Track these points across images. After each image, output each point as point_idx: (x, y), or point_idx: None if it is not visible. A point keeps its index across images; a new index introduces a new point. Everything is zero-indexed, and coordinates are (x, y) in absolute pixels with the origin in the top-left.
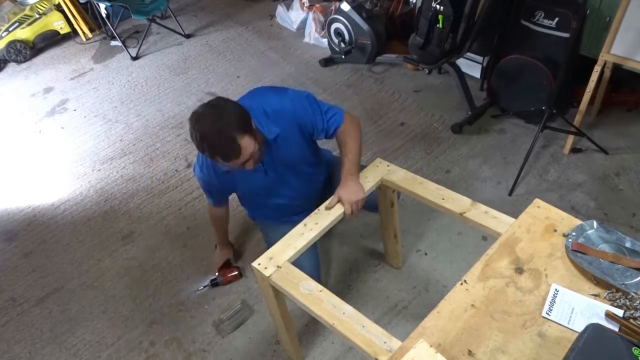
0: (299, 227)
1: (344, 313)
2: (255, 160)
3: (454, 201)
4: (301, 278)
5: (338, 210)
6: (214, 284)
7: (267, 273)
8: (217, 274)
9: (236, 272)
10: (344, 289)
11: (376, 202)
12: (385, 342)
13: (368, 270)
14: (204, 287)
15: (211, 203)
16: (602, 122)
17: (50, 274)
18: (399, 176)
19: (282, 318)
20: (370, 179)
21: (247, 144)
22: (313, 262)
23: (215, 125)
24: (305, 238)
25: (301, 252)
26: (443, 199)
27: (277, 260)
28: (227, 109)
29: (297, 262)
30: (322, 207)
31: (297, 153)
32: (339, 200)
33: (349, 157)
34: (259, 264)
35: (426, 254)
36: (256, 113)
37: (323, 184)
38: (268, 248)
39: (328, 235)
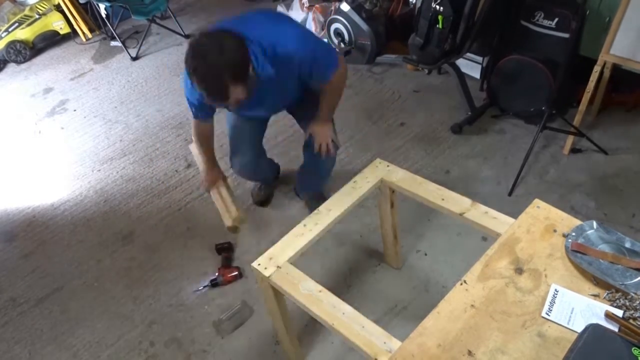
0: (299, 228)
1: (343, 313)
2: (240, 103)
3: (454, 201)
4: (300, 278)
5: (337, 211)
6: (214, 284)
7: (266, 273)
8: (217, 274)
9: (236, 272)
10: (344, 289)
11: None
12: (385, 343)
13: (368, 270)
14: (204, 287)
15: (198, 118)
16: (601, 122)
17: (50, 274)
18: (399, 176)
19: (282, 318)
20: (370, 179)
21: (237, 93)
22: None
23: (212, 66)
24: (305, 238)
25: (301, 252)
26: (443, 199)
27: (277, 261)
28: (229, 50)
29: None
30: (322, 207)
31: (286, 91)
32: (312, 135)
33: (326, 105)
34: (259, 265)
35: (426, 254)
36: (254, 45)
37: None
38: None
39: (328, 235)
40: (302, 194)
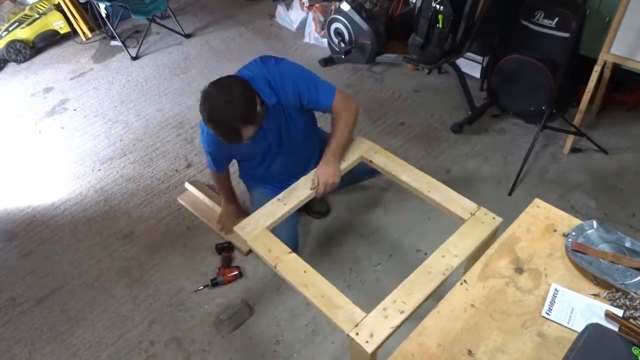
0: (276, 201)
1: (305, 271)
2: (254, 133)
3: (419, 179)
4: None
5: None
6: (214, 283)
7: (246, 237)
8: (217, 273)
9: (236, 272)
10: (343, 289)
11: (368, 170)
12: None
13: (368, 270)
14: (204, 287)
15: (215, 170)
16: (601, 122)
17: (50, 274)
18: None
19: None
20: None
21: (248, 132)
22: (291, 232)
23: (222, 113)
24: (282, 209)
25: (280, 220)
26: (408, 175)
27: (257, 226)
28: (236, 95)
29: (276, 231)
30: (300, 182)
31: (294, 118)
32: (315, 176)
33: (335, 139)
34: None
35: (426, 254)
36: (259, 81)
37: (314, 156)
38: (252, 209)
39: (328, 235)
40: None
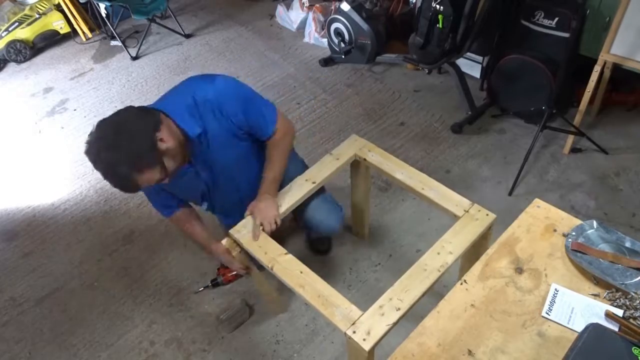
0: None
1: (301, 272)
2: (172, 174)
3: (413, 176)
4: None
5: (306, 188)
6: (214, 284)
7: (241, 239)
8: (217, 273)
9: (236, 272)
10: (343, 289)
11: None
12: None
13: (368, 270)
14: (204, 287)
15: (165, 215)
16: (601, 122)
17: (50, 274)
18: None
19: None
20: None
21: (147, 178)
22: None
23: (108, 162)
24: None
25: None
26: (402, 173)
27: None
28: (127, 139)
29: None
30: (295, 182)
31: (231, 152)
32: (251, 214)
33: (269, 175)
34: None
35: None
36: (178, 109)
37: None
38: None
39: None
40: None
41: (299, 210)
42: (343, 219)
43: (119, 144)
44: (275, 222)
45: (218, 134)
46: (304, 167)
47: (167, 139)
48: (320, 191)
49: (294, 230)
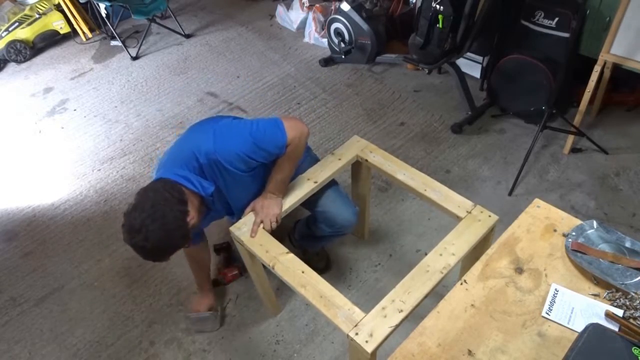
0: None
1: (303, 272)
2: (198, 221)
3: (415, 177)
4: (270, 243)
5: (308, 187)
6: (216, 284)
7: (243, 238)
8: (217, 274)
9: (237, 272)
10: (343, 289)
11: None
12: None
13: (368, 270)
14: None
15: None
16: (601, 122)
17: (50, 274)
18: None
19: (258, 275)
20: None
21: (182, 245)
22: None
23: (149, 252)
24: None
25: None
26: (404, 174)
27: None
28: (164, 234)
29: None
30: (297, 180)
31: (244, 182)
32: (253, 211)
33: (277, 176)
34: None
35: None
36: (189, 175)
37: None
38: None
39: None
40: (299, 244)
41: (311, 207)
42: (358, 213)
43: (159, 239)
44: (276, 221)
45: (230, 181)
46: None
47: (193, 216)
48: (332, 185)
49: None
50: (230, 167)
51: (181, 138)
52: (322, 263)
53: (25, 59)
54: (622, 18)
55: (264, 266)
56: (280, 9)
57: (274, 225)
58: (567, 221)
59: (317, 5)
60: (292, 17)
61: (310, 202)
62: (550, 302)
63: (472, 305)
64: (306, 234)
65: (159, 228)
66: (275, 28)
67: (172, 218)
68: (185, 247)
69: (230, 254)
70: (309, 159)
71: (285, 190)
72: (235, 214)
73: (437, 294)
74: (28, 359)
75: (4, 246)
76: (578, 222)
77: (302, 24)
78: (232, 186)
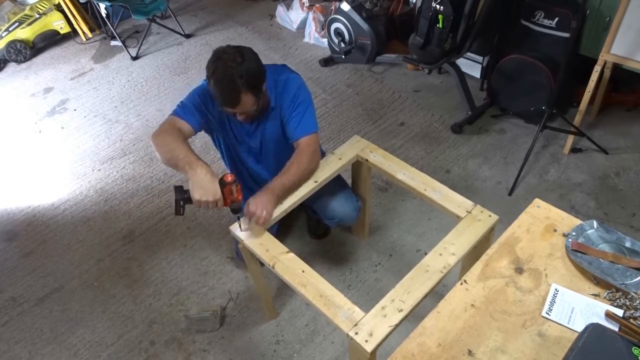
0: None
1: (303, 271)
2: (248, 116)
3: (415, 177)
4: (271, 243)
5: (308, 187)
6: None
7: (242, 237)
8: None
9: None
10: (343, 289)
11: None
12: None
13: (368, 270)
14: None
15: (179, 115)
16: (602, 121)
17: (50, 274)
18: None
19: (256, 278)
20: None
21: (247, 101)
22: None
23: (229, 71)
24: (279, 208)
25: (279, 218)
26: (404, 174)
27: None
28: (248, 60)
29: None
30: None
31: (277, 130)
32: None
33: (282, 177)
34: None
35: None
36: (270, 80)
37: None
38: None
39: (327, 235)
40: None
41: (314, 202)
42: (360, 208)
43: (248, 64)
44: (264, 220)
45: (277, 113)
46: None
47: (264, 92)
48: (337, 180)
49: (294, 230)
50: (284, 96)
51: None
52: (322, 230)
53: (25, 59)
54: (622, 18)
55: (262, 265)
56: (280, 9)
57: (261, 222)
58: (567, 221)
59: (317, 5)
60: (292, 17)
61: (312, 195)
62: (550, 302)
63: (472, 305)
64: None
65: (251, 57)
66: (275, 28)
67: (257, 63)
68: (252, 105)
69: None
70: None
71: (283, 197)
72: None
73: (437, 293)
74: (28, 359)
75: (4, 246)
76: (578, 222)
77: (302, 24)
78: (273, 124)
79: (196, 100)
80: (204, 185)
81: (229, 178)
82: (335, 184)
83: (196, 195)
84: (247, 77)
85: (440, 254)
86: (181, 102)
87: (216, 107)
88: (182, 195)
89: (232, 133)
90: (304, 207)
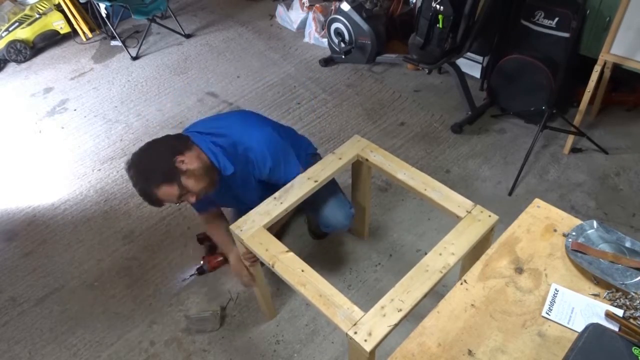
0: (272, 199)
1: (303, 270)
2: (198, 194)
3: (415, 177)
4: (270, 242)
5: (308, 186)
6: (200, 271)
7: (242, 236)
8: (201, 262)
9: (220, 258)
10: (343, 289)
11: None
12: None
13: (368, 270)
14: (191, 275)
15: (197, 209)
16: (602, 121)
17: (50, 274)
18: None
19: (257, 279)
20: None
21: (167, 192)
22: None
23: (132, 178)
24: (279, 208)
25: (277, 219)
26: (404, 173)
27: (253, 226)
28: (147, 159)
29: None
30: (297, 179)
31: (254, 194)
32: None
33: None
34: (237, 228)
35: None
36: (214, 144)
37: None
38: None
39: (328, 235)
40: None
41: (308, 208)
42: (353, 216)
43: (141, 162)
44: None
45: (246, 180)
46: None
47: (189, 162)
48: (330, 187)
49: (294, 229)
50: (255, 166)
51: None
52: (320, 230)
53: (25, 59)
54: (622, 18)
55: (262, 265)
56: (280, 9)
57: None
58: (567, 221)
59: (317, 5)
60: (292, 17)
61: (307, 201)
62: (550, 302)
63: (472, 305)
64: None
65: (145, 154)
66: (275, 28)
67: (161, 150)
68: (177, 192)
69: (213, 242)
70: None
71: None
72: (241, 208)
73: (437, 293)
74: (28, 359)
75: (4, 246)
76: (578, 222)
77: (302, 24)
78: (242, 187)
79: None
80: (236, 268)
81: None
82: (328, 191)
83: (234, 272)
84: (150, 176)
85: (440, 254)
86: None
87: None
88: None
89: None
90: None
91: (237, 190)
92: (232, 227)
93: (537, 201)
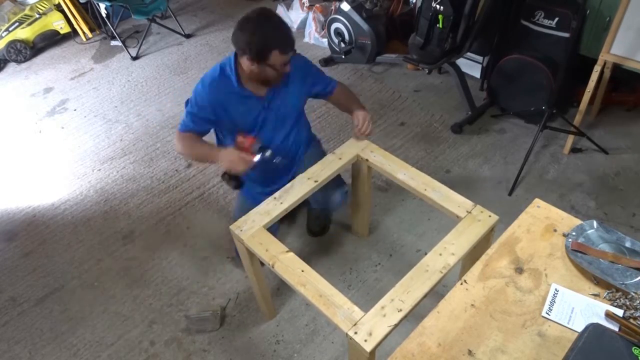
0: (272, 199)
1: (302, 271)
2: (283, 75)
3: (415, 177)
4: (270, 241)
5: (309, 186)
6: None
7: (242, 236)
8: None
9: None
10: (343, 289)
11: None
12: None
13: (368, 270)
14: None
15: (190, 129)
16: (602, 121)
17: (50, 274)
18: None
19: (256, 278)
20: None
21: (280, 58)
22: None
23: (283, 22)
24: (279, 208)
25: (277, 219)
26: (404, 174)
27: (254, 226)
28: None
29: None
30: (296, 180)
31: (292, 99)
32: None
33: (356, 102)
34: (237, 227)
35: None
36: None
37: (301, 150)
38: (235, 212)
39: (328, 235)
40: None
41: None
42: (347, 194)
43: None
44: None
45: (293, 82)
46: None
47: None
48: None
49: (294, 229)
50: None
51: None
52: (318, 227)
53: (26, 59)
54: (622, 18)
55: (262, 265)
56: (280, 9)
57: (370, 128)
58: (567, 221)
59: (317, 5)
60: (292, 17)
61: None
62: (550, 302)
63: (472, 305)
64: None
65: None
66: None
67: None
68: (287, 59)
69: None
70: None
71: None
72: (259, 129)
73: (437, 293)
74: (28, 359)
75: (4, 246)
76: (578, 222)
77: (302, 24)
78: (290, 93)
79: (204, 102)
80: (226, 157)
81: (239, 137)
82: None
83: (225, 165)
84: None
85: (440, 254)
86: (187, 113)
87: (217, 101)
88: (226, 176)
89: (242, 113)
90: (304, 202)
91: (287, 97)
92: (232, 227)
93: (537, 201)
